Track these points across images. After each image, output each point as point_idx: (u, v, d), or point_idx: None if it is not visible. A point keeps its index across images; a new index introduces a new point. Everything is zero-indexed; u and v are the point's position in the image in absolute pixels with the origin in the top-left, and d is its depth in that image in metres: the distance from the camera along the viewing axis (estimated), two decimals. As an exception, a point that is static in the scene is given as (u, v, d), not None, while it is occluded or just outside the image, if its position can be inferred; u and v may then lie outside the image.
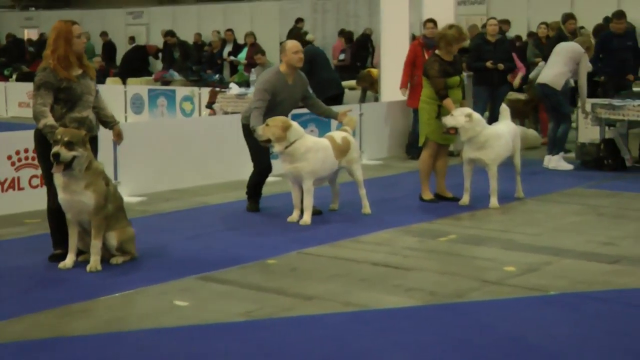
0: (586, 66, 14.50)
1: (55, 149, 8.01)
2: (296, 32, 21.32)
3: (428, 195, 11.80)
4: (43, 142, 8.40)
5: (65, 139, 8.05)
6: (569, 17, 16.84)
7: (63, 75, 8.45)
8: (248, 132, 10.90)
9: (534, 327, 6.78)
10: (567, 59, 14.42)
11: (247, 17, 26.14)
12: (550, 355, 6.18)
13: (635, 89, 15.81)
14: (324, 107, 11.58)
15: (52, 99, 8.44)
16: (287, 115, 10.92)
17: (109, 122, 9.16)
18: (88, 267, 8.34)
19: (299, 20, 24.47)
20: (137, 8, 30.91)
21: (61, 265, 8.39)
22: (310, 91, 11.68)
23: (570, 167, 14.61)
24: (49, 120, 8.29)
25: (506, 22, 18.44)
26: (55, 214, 8.60)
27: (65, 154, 8.01)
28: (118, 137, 9.30)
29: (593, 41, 15.56)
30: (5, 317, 7.01)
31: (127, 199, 11.67)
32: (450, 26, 12.11)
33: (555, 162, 14.59)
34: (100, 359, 6.19)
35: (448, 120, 11.11)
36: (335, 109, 11.90)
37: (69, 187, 8.21)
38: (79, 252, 8.57)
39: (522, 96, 17.73)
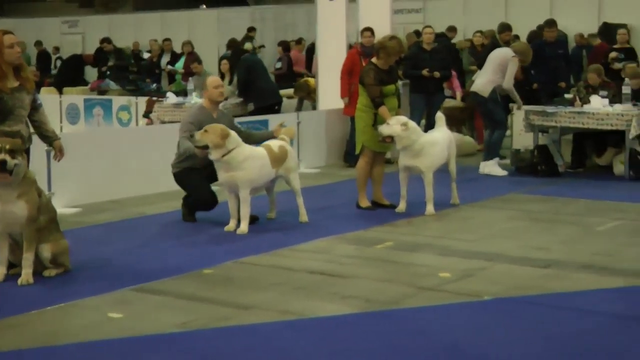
0: (513, 70, 14.61)
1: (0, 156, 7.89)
2: (233, 41, 21.27)
3: (365, 202, 11.82)
4: None
5: (7, 147, 7.88)
6: (505, 28, 16.95)
7: None
8: (181, 178, 11.01)
9: (469, 333, 6.81)
10: (496, 66, 14.55)
11: (184, 25, 26.05)
12: (481, 357, 6.22)
13: (567, 96, 15.94)
14: (257, 135, 11.54)
15: None
16: None
17: (49, 137, 9.02)
18: (19, 281, 8.16)
19: (251, 29, 24.41)
20: (73, 17, 30.68)
21: None
22: (239, 125, 11.61)
23: (504, 173, 14.72)
24: None
25: (453, 30, 18.41)
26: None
27: (11, 161, 7.85)
28: (60, 153, 9.11)
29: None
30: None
31: (61, 210, 11.56)
32: (392, 37, 12.15)
33: (490, 168, 14.71)
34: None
35: (384, 129, 11.13)
36: (272, 118, 11.88)
37: (0, 197, 8.03)
38: (10, 265, 8.40)
39: (458, 103, 17.82)
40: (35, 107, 8.86)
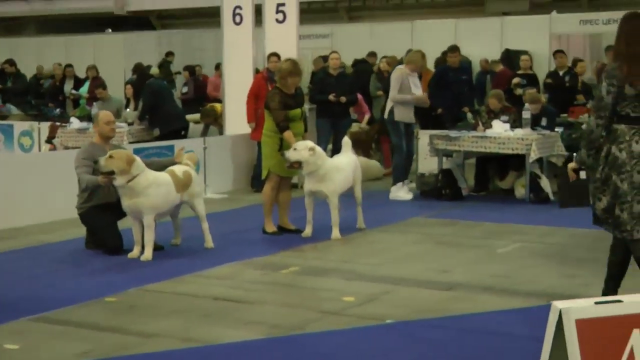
0: (397, 81, 14.73)
1: None
2: (139, 66, 21.17)
3: (271, 227, 11.81)
4: None
5: None
6: (418, 55, 16.92)
7: None
8: (87, 219, 10.84)
9: (371, 356, 6.85)
10: (392, 88, 14.69)
11: (90, 49, 25.87)
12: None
13: (470, 120, 16.14)
14: (158, 162, 11.41)
15: None
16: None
17: None
18: None
19: (169, 53, 24.35)
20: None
21: None
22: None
23: (409, 196, 14.79)
24: None
25: (373, 55, 18.46)
26: None
27: None
28: None
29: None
30: None
31: None
32: (286, 60, 12.30)
33: (394, 192, 14.79)
34: None
35: (292, 155, 11.14)
36: (178, 143, 11.83)
37: None
38: None
39: (364, 127, 17.92)
40: None
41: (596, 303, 4.77)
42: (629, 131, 7.35)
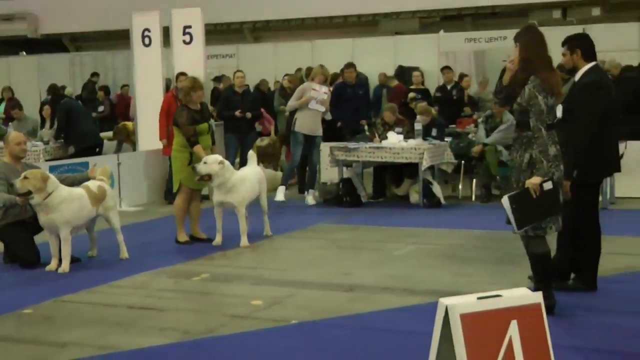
0: (299, 91, 15.03)
1: None
2: (53, 87, 20.91)
3: (183, 237, 11.78)
4: None
5: None
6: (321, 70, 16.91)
7: None
8: (2, 235, 10.68)
9: (277, 356, 6.89)
10: (292, 98, 14.85)
11: (4, 72, 25.53)
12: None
13: (367, 132, 16.25)
14: (72, 178, 11.27)
15: None
16: None
17: None
18: None
19: (94, 74, 24.08)
20: None
21: None
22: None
23: (282, 198, 14.88)
24: None
25: (351, 67, 18.26)
26: None
27: None
28: None
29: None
30: None
31: None
32: (186, 78, 12.44)
33: (278, 192, 14.97)
34: None
35: (202, 168, 11.13)
36: (92, 160, 11.72)
37: None
38: None
39: (270, 140, 17.94)
40: None
41: (478, 298, 4.86)
42: (547, 137, 7.48)
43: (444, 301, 4.82)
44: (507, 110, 14.83)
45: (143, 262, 10.62)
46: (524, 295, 4.99)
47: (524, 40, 7.69)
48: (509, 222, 7.73)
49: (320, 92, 14.91)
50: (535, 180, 7.43)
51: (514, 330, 4.84)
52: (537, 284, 7.66)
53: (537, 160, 7.54)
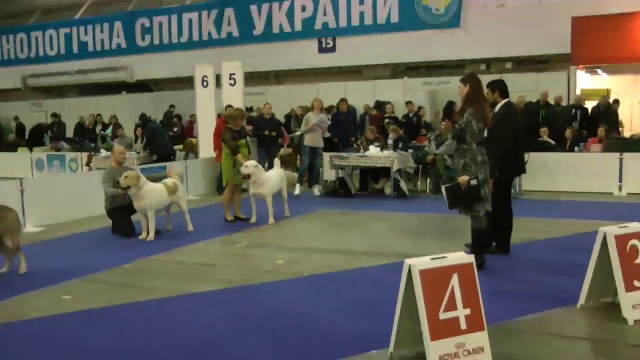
0: (305, 120, 14.95)
1: None
2: (143, 115, 20.92)
3: (229, 217, 11.77)
4: None
5: None
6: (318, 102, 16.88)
7: None
8: (111, 215, 10.80)
9: (295, 298, 6.91)
10: (302, 125, 14.91)
11: (112, 105, 25.64)
12: (303, 312, 6.30)
13: (355, 146, 16.26)
14: (155, 176, 11.20)
15: None
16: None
17: None
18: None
19: (171, 106, 24.18)
20: (38, 100, 29.91)
21: None
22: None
23: (297, 192, 14.88)
24: None
25: (344, 101, 18.32)
26: None
27: None
28: None
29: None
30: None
31: (30, 229, 11.34)
32: (235, 109, 12.42)
33: (295, 189, 14.97)
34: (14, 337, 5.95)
35: (244, 170, 11.16)
36: (168, 164, 11.74)
37: None
38: None
39: (288, 151, 17.94)
40: None
41: (431, 259, 4.89)
42: (476, 149, 7.54)
43: (408, 261, 4.86)
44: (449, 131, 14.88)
45: (202, 233, 10.63)
46: (461, 257, 5.01)
47: (469, 81, 7.71)
48: (450, 207, 7.81)
49: (318, 119, 14.92)
50: (464, 177, 7.57)
51: (455, 280, 4.87)
52: (474, 248, 7.72)
53: (468, 164, 7.62)
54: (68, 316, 6.52)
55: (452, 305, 4.81)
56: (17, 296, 7.28)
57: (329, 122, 15.23)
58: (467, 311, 4.86)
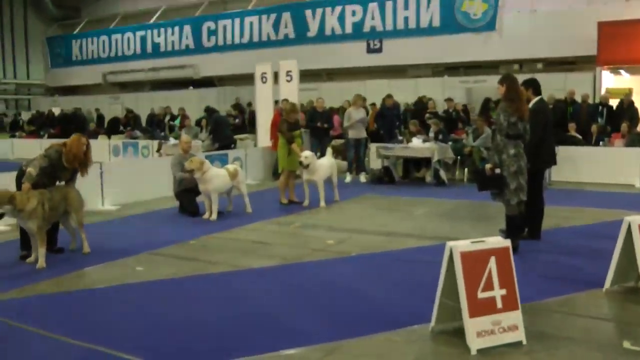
0: (347, 115, 14.90)
1: None
2: (208, 107, 21.02)
3: (284, 200, 11.73)
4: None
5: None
6: (358, 98, 16.66)
7: (66, 166, 7.71)
8: (178, 196, 10.84)
9: (342, 274, 6.83)
10: (344, 120, 14.82)
11: (179, 99, 25.71)
12: (351, 288, 6.22)
13: (399, 137, 16.08)
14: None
15: (45, 167, 7.55)
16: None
17: None
18: (86, 248, 7.95)
19: (237, 99, 24.12)
20: (115, 94, 30.37)
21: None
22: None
23: (364, 180, 14.75)
24: (33, 170, 7.41)
25: (390, 97, 18.18)
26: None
27: None
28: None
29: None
30: (38, 280, 6.73)
31: (108, 207, 11.56)
32: (289, 103, 12.39)
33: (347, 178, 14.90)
34: (92, 302, 6.00)
35: (305, 160, 11.11)
36: (229, 152, 11.74)
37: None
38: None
39: (340, 142, 17.81)
40: (72, 178, 8.03)
41: (471, 242, 4.76)
42: (509, 142, 7.37)
43: (450, 244, 4.74)
44: (485, 125, 14.64)
45: (260, 214, 10.62)
46: (499, 241, 4.87)
47: (505, 82, 7.55)
48: (479, 189, 7.69)
49: (360, 114, 14.77)
50: (487, 165, 7.57)
51: (492, 263, 4.74)
52: (508, 234, 7.55)
53: (492, 155, 7.57)
54: (140, 285, 6.56)
55: (489, 286, 4.68)
56: (94, 266, 7.36)
57: (367, 117, 15.06)
58: (503, 291, 4.72)
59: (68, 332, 5.15)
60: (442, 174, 14.12)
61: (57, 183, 7.85)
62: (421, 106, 19.18)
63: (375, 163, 15.47)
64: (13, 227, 9.06)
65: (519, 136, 7.44)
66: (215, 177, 10.32)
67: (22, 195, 7.21)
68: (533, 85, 8.33)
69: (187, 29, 28.06)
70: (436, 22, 21.70)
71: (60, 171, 7.78)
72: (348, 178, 14.94)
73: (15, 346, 4.95)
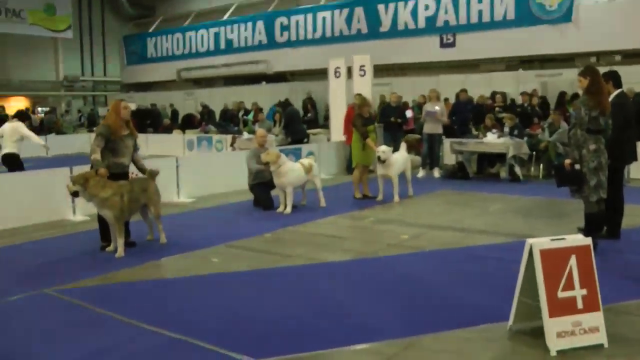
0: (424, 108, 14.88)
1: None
2: (280, 102, 21.25)
3: (358, 195, 11.75)
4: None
5: (73, 178, 7.59)
6: (432, 92, 16.53)
7: (115, 133, 7.85)
8: (253, 190, 10.98)
9: (417, 269, 6.81)
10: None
11: (253, 93, 26.02)
12: (426, 284, 6.20)
13: (474, 133, 15.85)
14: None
15: (103, 145, 7.78)
16: None
17: (142, 170, 8.31)
18: (163, 239, 8.19)
19: (309, 93, 24.28)
20: (189, 90, 31.04)
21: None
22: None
23: (437, 175, 14.65)
24: (97, 155, 7.70)
25: (464, 91, 17.96)
26: (101, 219, 7.88)
27: (70, 187, 7.56)
28: (151, 175, 8.24)
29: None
30: (118, 268, 6.97)
31: (184, 199, 11.84)
32: (359, 97, 12.37)
33: (419, 173, 14.83)
34: (174, 289, 6.17)
35: (382, 155, 11.10)
36: (303, 147, 11.86)
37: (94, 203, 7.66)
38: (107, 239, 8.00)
39: (414, 136, 17.67)
40: (135, 149, 8.26)
41: (551, 240, 4.67)
42: (589, 137, 7.20)
43: (529, 241, 4.66)
44: (561, 120, 14.31)
45: (333, 209, 10.67)
46: (580, 238, 4.76)
47: (588, 74, 7.35)
48: (558, 185, 7.54)
49: (434, 108, 14.63)
50: (567, 161, 7.41)
51: (573, 261, 4.64)
52: (586, 232, 7.37)
53: (571, 151, 7.38)
54: (216, 276, 6.71)
55: (570, 285, 4.58)
56: (171, 256, 7.58)
57: (443, 111, 14.85)
58: (584, 291, 4.62)
59: (147, 319, 5.34)
60: (517, 169, 13.86)
61: (124, 159, 8.01)
62: (494, 101, 18.82)
63: (449, 158, 15.31)
64: (92, 218, 9.44)
65: (600, 131, 7.23)
66: (291, 171, 10.43)
67: (96, 181, 7.49)
68: (613, 78, 8.05)
69: (260, 24, 28.36)
70: (511, 15, 21.25)
71: (118, 143, 7.92)
72: (421, 173, 14.86)
73: (100, 331, 5.16)
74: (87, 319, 5.44)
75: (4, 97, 32.65)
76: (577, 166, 7.27)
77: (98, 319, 5.43)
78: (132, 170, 8.32)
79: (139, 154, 8.40)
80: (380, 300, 5.78)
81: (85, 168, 8.69)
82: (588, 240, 4.77)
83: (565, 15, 20.09)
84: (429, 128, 14.71)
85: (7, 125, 12.30)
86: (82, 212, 10.17)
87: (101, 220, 7.88)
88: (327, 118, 20.22)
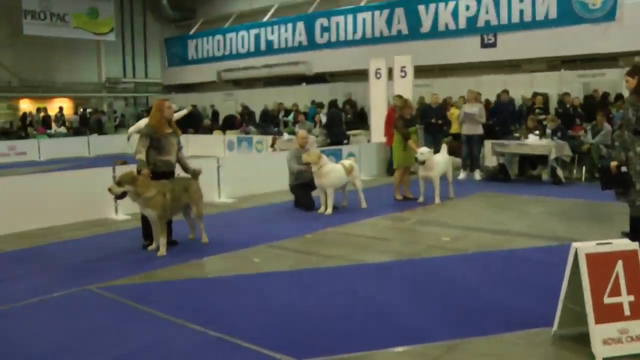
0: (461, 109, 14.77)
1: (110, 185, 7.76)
2: (332, 102, 21.29)
3: (398, 196, 11.72)
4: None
5: (117, 179, 7.69)
6: (470, 93, 16.31)
7: (158, 132, 7.94)
8: (294, 190, 11.02)
9: (460, 271, 6.77)
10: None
11: (293, 94, 26.16)
12: (467, 286, 6.15)
13: (515, 134, 15.66)
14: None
15: (148, 144, 7.86)
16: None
17: (186, 169, 8.35)
18: (205, 238, 8.26)
19: (349, 95, 24.32)
20: (229, 91, 31.31)
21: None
22: None
23: (478, 178, 14.53)
24: (142, 155, 7.79)
25: (506, 92, 17.91)
26: (144, 218, 8.03)
27: (115, 189, 7.61)
28: (194, 174, 8.31)
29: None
30: (160, 267, 7.06)
31: (224, 200, 11.96)
32: (400, 99, 12.30)
33: (460, 175, 14.70)
34: (211, 288, 6.24)
35: (421, 157, 11.06)
36: (343, 148, 11.86)
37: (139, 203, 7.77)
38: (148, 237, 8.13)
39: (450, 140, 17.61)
40: (179, 147, 8.29)
41: (597, 244, 4.60)
42: (636, 139, 7.08)
43: (575, 244, 4.60)
44: (605, 121, 14.08)
45: (374, 210, 10.66)
46: (627, 243, 4.68)
47: (638, 74, 7.21)
48: (603, 188, 7.42)
49: (472, 109, 14.50)
50: (613, 163, 7.31)
51: (619, 266, 4.55)
52: (632, 236, 7.22)
53: (618, 152, 7.25)
54: (257, 276, 6.75)
55: (616, 291, 4.50)
56: (213, 256, 7.65)
57: (481, 112, 14.69)
58: (631, 298, 4.53)
59: (189, 317, 5.40)
60: (559, 172, 13.66)
61: (170, 157, 8.06)
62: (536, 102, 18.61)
63: (490, 160, 15.18)
64: (133, 217, 9.59)
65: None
66: (332, 172, 10.45)
67: (144, 180, 7.60)
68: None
69: (300, 25, 28.44)
70: (552, 14, 20.93)
71: (162, 141, 7.97)
72: (462, 175, 14.75)
73: (142, 329, 5.24)
74: (129, 317, 5.53)
75: (49, 99, 33.34)
76: (624, 168, 7.13)
77: (140, 317, 5.52)
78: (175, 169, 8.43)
79: (182, 153, 8.51)
80: (421, 302, 5.75)
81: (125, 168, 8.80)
82: (635, 245, 4.68)
83: (609, 14, 19.70)
84: (468, 129, 14.59)
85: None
86: (124, 211, 10.33)
87: (144, 219, 8.01)
88: (362, 117, 20.17)
